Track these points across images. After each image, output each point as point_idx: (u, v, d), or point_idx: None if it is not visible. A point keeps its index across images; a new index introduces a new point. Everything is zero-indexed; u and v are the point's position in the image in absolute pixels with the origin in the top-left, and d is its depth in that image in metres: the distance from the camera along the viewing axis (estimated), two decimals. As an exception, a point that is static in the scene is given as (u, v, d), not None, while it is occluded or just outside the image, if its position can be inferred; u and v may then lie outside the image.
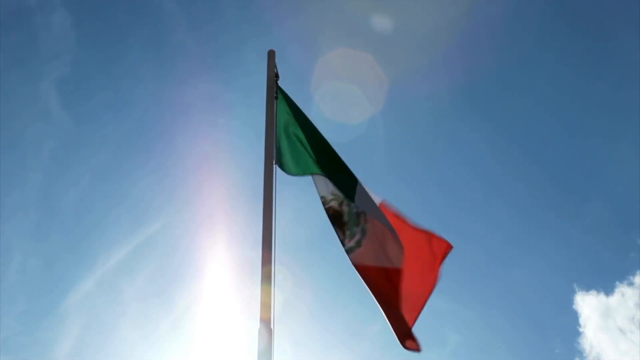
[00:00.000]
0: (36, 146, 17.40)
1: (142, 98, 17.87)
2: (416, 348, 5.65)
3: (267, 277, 5.46)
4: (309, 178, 6.32)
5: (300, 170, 6.32)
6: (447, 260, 6.09)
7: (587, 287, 18.58)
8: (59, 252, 17.82)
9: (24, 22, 17.02)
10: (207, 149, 15.61)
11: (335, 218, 6.16)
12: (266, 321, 5.25)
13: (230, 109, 16.55)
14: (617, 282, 18.30)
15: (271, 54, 6.76)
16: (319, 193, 6.25)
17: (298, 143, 6.46)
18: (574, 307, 18.19)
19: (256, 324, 5.24)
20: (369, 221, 6.04)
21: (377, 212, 6.00)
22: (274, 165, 6.16)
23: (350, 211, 6.14)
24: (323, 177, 6.24)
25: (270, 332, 5.20)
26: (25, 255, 17.10)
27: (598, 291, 18.35)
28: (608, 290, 18.51)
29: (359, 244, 6.03)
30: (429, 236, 6.13)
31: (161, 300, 16.74)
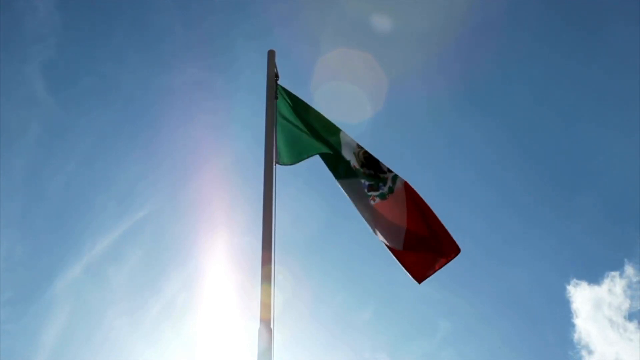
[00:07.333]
0: (21, 131, 17.03)
1: (129, 82, 17.60)
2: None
3: (267, 277, 5.47)
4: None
5: (297, 157, 6.41)
6: None
7: (579, 278, 18.63)
8: (45, 239, 17.57)
9: (8, 4, 16.76)
10: (195, 135, 15.57)
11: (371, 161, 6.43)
12: (266, 321, 5.25)
13: (219, 95, 16.47)
14: (608, 273, 18.36)
15: (271, 54, 6.74)
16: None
17: (295, 130, 6.51)
18: (566, 297, 18.24)
19: (256, 324, 5.26)
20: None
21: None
22: (274, 165, 6.17)
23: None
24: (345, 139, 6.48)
25: (270, 332, 5.21)
26: (11, 242, 16.88)
27: (590, 282, 18.42)
28: (599, 280, 18.53)
29: (383, 197, 6.31)
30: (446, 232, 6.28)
31: (150, 287, 16.69)
